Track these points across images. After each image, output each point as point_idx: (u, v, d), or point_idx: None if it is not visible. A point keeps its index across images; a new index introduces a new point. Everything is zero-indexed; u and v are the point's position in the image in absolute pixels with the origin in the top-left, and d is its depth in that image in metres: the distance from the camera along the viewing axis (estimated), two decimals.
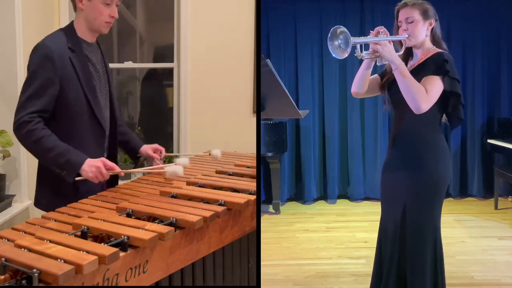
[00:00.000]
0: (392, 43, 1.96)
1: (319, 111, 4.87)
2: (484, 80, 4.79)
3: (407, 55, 2.08)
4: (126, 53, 4.55)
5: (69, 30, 2.10)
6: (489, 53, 4.77)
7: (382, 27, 1.95)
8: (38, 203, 2.14)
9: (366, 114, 4.79)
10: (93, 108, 2.07)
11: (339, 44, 1.85)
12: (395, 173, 2.06)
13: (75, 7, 2.10)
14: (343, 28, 1.83)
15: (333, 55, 1.87)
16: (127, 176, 3.43)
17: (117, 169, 1.98)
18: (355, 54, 1.92)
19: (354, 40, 1.85)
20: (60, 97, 2.00)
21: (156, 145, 2.42)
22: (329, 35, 1.85)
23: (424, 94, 1.88)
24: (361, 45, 1.92)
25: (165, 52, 4.32)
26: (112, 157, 2.22)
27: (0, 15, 3.20)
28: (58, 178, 1.96)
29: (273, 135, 4.32)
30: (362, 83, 2.06)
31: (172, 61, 4.21)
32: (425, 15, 1.99)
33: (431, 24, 2.01)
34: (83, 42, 2.10)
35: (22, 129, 1.92)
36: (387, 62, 1.97)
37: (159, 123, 4.56)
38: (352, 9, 4.76)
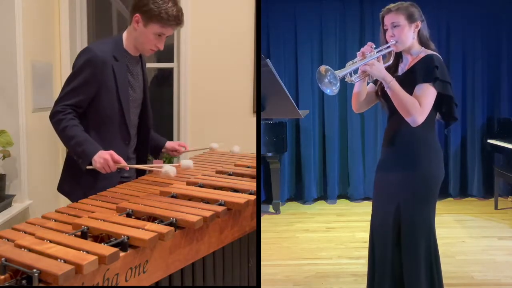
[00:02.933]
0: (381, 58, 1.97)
1: (319, 111, 4.87)
2: (484, 80, 4.79)
3: (397, 59, 2.08)
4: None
5: (118, 39, 2.26)
6: (489, 53, 4.77)
7: (368, 46, 1.96)
8: (61, 188, 2.31)
9: (366, 114, 4.79)
10: (124, 115, 2.23)
11: (329, 80, 1.89)
12: (389, 172, 2.07)
13: (130, 22, 2.23)
14: (326, 67, 1.87)
15: (327, 92, 1.90)
16: None
17: (123, 163, 2.11)
18: (346, 80, 1.94)
19: (339, 74, 1.88)
20: (94, 100, 2.17)
21: (179, 142, 2.65)
22: (317, 76, 1.90)
23: (418, 107, 1.90)
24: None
25: (165, 52, 4.32)
26: (142, 163, 2.40)
27: (0, 15, 3.20)
28: (80, 169, 2.13)
29: (273, 135, 4.32)
30: (360, 95, 2.10)
31: (172, 61, 4.22)
32: (410, 18, 1.99)
33: (417, 27, 2.01)
34: (127, 54, 2.25)
35: (54, 118, 2.13)
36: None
37: (159, 123, 4.56)
38: (352, 9, 4.76)
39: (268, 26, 4.76)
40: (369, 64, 1.92)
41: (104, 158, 2.05)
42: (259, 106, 2.06)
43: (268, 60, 1.93)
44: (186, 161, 2.21)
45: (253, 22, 3.97)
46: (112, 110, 2.20)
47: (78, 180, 2.20)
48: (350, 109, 4.79)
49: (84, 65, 2.13)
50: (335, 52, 4.80)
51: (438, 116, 2.05)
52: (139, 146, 2.41)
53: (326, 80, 1.88)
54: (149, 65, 4.50)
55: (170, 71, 4.28)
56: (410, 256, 2.01)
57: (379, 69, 1.92)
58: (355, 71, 1.97)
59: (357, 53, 1.98)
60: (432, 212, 2.03)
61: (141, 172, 2.41)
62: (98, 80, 2.14)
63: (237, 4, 4.00)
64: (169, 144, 2.58)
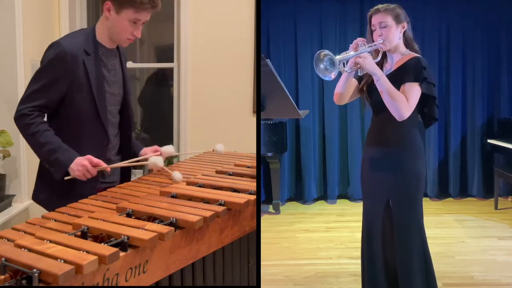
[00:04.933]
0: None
1: (319, 111, 4.87)
2: (484, 80, 4.79)
3: (382, 58, 2.13)
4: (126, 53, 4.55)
5: (89, 32, 2.08)
6: (489, 53, 4.77)
7: (362, 39, 2.02)
8: (36, 197, 2.15)
9: (366, 114, 4.78)
10: (99, 113, 2.05)
11: (325, 66, 1.93)
12: (376, 171, 2.12)
13: (101, 11, 2.06)
14: (326, 51, 1.91)
15: (323, 78, 1.94)
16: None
17: (103, 165, 1.99)
18: (339, 69, 1.97)
19: (339, 59, 1.92)
20: (66, 98, 2.00)
21: (155, 147, 2.36)
22: (314, 61, 1.92)
23: (405, 103, 1.96)
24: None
25: (165, 52, 4.32)
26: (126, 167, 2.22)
27: (0, 15, 3.21)
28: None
29: (273, 135, 4.32)
30: (345, 86, 2.13)
31: (172, 61, 4.22)
32: (397, 19, 2.05)
33: (403, 28, 2.08)
34: (100, 47, 2.08)
35: (21, 121, 1.95)
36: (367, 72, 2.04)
37: (159, 123, 4.56)
38: (352, 9, 4.76)
39: (268, 26, 4.76)
40: (361, 56, 1.97)
41: (82, 165, 1.91)
42: (259, 106, 2.06)
43: (268, 60, 1.94)
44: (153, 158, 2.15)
45: (253, 22, 3.97)
46: (86, 108, 2.02)
47: (54, 188, 2.02)
48: (350, 109, 4.82)
49: (52, 61, 1.96)
50: (335, 52, 4.77)
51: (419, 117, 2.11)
52: (122, 147, 2.22)
53: (322, 66, 1.92)
54: (149, 65, 4.52)
55: (170, 71, 4.28)
56: (402, 253, 2.06)
57: (371, 63, 1.98)
58: (347, 62, 2.02)
59: (349, 45, 2.03)
60: (420, 209, 2.09)
61: (125, 177, 2.27)
62: (68, 77, 1.96)
63: (237, 4, 4.00)
64: (144, 151, 2.32)
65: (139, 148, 2.34)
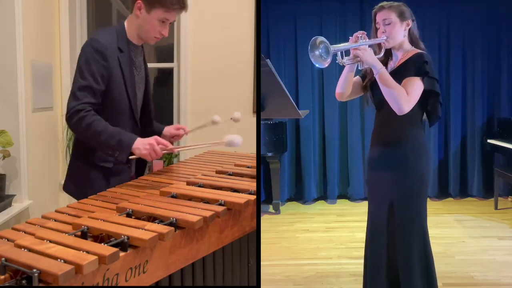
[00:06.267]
0: (371, 47, 2.01)
1: (319, 111, 4.87)
2: (484, 80, 4.79)
3: (387, 56, 2.12)
4: None
5: (120, 29, 2.14)
6: (489, 53, 4.77)
7: (362, 32, 2.01)
8: (67, 187, 2.21)
9: (366, 114, 4.80)
10: (133, 109, 2.14)
11: (320, 53, 1.92)
12: (380, 171, 2.10)
13: (131, 10, 2.13)
14: (322, 38, 1.90)
15: (316, 65, 1.93)
16: None
17: (169, 146, 2.04)
18: (337, 61, 1.97)
19: (334, 48, 1.91)
20: (106, 93, 2.06)
21: (177, 125, 2.48)
22: (309, 46, 1.91)
23: (406, 96, 1.93)
24: (341, 52, 1.98)
25: (165, 52, 4.32)
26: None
27: (0, 15, 3.21)
28: (89, 167, 2.08)
29: (273, 135, 4.32)
30: (346, 84, 2.11)
31: (172, 61, 4.22)
32: (401, 16, 2.04)
33: (408, 25, 2.06)
34: (130, 44, 2.16)
35: (74, 117, 1.98)
36: (368, 66, 2.02)
37: (159, 122, 4.56)
38: (352, 9, 4.76)
39: (268, 26, 4.76)
40: (361, 49, 1.96)
41: (150, 143, 1.96)
42: (259, 106, 2.07)
43: (268, 60, 1.94)
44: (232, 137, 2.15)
45: (253, 22, 3.97)
46: (123, 104, 2.11)
47: (88, 181, 2.10)
48: (350, 109, 4.82)
49: (94, 57, 2.02)
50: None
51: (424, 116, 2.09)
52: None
53: (317, 53, 1.91)
54: (149, 65, 4.51)
55: (170, 71, 4.28)
56: (404, 254, 2.04)
57: (371, 56, 1.97)
58: (346, 53, 2.00)
59: (349, 37, 2.02)
60: (423, 209, 2.07)
61: (140, 170, 2.33)
62: (108, 73, 2.04)
63: (237, 4, 4.00)
64: (167, 129, 2.43)
65: (161, 128, 2.43)
